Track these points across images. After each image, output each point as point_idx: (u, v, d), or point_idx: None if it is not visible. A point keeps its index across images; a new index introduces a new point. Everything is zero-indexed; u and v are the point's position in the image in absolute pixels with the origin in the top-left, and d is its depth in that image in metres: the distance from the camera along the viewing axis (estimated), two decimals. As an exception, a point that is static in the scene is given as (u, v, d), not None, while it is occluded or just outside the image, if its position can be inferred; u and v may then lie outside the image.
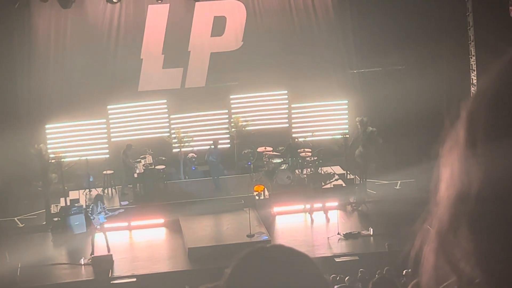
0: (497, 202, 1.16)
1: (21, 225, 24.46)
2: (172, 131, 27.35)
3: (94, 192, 25.33)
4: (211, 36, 27.59)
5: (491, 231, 1.17)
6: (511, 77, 1.22)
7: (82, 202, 24.51)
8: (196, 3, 26.98)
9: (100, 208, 21.98)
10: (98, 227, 21.90)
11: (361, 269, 18.23)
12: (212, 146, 25.89)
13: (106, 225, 22.54)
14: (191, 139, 26.70)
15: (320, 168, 25.18)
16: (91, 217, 22.04)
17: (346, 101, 28.10)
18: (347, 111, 28.18)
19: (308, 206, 24.16)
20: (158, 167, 25.37)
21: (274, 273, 1.95)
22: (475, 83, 25.98)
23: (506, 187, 1.15)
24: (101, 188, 25.69)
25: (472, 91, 25.87)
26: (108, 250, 21.83)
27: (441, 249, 1.22)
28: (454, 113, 1.28)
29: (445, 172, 1.26)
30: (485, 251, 1.17)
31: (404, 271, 16.57)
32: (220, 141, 26.34)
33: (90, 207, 22.32)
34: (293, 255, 2.03)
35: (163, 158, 26.24)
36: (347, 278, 17.30)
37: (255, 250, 2.06)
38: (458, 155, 1.24)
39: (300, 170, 25.76)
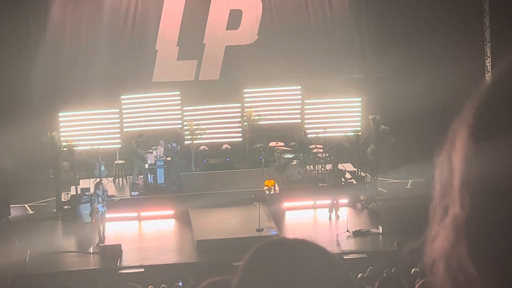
0: (493, 221, 1.18)
1: (31, 212, 24.55)
2: (185, 123, 27.35)
3: (105, 182, 25.36)
4: (226, 29, 27.57)
5: (491, 253, 1.19)
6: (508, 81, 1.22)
7: (93, 191, 24.50)
8: (213, -5, 26.97)
9: (100, 197, 21.95)
10: (98, 216, 21.86)
11: (370, 267, 18.21)
12: (174, 144, 25.45)
13: (117, 215, 22.61)
14: (203, 131, 26.69)
15: (337, 164, 24.91)
16: (91, 207, 22.07)
17: (360, 99, 28.04)
18: (360, 109, 28.11)
19: (319, 202, 24.14)
20: (169, 158, 25.34)
21: (292, 266, 1.83)
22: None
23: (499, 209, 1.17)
24: (112, 178, 25.75)
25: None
26: (102, 241, 21.78)
27: (447, 268, 1.24)
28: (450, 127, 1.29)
29: (437, 184, 1.28)
30: (488, 274, 1.18)
31: (412, 270, 16.53)
32: (231, 135, 26.15)
33: (93, 196, 22.23)
34: (314, 249, 1.93)
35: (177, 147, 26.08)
36: (359, 275, 17.28)
37: (272, 242, 1.96)
38: (453, 162, 1.24)
39: (312, 166, 25.71)
